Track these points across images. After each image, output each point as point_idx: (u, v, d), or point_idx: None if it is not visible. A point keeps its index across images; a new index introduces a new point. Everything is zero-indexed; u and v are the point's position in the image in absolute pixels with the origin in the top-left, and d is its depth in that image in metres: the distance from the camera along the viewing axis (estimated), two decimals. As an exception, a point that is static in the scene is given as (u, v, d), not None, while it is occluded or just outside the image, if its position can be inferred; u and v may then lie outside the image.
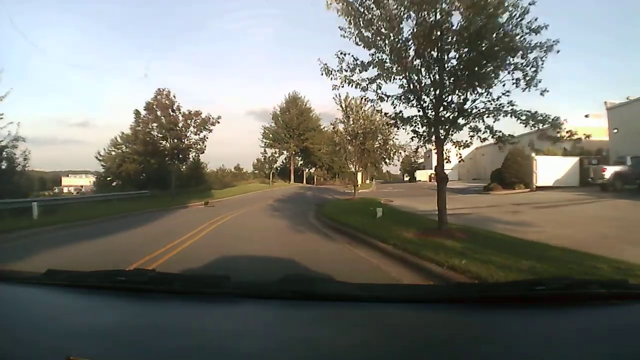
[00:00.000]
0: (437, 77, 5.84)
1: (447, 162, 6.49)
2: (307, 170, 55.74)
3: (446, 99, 6.01)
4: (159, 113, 19.62)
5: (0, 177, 14.19)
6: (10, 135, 14.36)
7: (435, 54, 5.78)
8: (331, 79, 5.95)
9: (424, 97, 6.14)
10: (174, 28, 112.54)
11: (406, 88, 6.17)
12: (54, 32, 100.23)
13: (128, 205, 15.97)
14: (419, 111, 6.52)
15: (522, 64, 5.44)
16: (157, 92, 19.84)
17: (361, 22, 5.70)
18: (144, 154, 23.26)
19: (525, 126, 5.76)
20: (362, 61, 6.12)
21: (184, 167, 25.37)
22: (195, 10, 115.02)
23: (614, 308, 1.05)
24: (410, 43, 5.87)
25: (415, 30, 5.61)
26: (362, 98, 6.40)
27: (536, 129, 5.64)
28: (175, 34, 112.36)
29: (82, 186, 40.77)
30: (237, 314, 1.13)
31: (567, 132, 5.86)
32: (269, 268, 4.51)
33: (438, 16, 5.61)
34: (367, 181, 38.44)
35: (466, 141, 6.64)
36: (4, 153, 14.66)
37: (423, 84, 6.00)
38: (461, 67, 5.67)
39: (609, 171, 16.58)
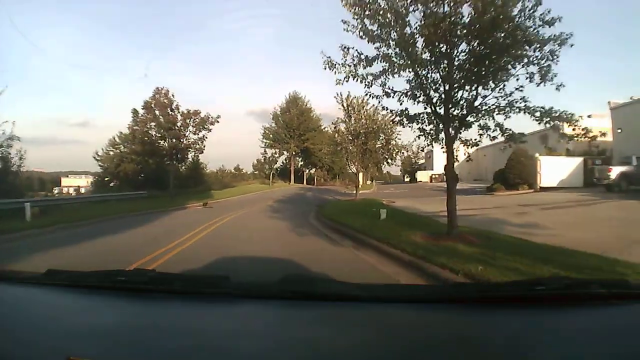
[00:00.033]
0: (447, 71, 5.55)
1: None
2: (307, 171, 55.45)
3: (456, 95, 5.71)
4: (157, 112, 19.33)
5: (-6, 177, 13.92)
6: (5, 134, 14.12)
7: (444, 47, 5.49)
8: (335, 72, 5.67)
9: (432, 93, 5.86)
10: (174, 28, 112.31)
11: (413, 84, 5.88)
12: (54, 32, 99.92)
13: (125, 206, 15.71)
14: (425, 108, 6.25)
15: (536, 57, 5.15)
16: (155, 91, 19.59)
17: (366, 13, 5.41)
18: (142, 154, 22.99)
19: (539, 123, 5.49)
20: (367, 55, 5.84)
21: (182, 167, 25.10)
22: (195, 10, 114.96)
23: (614, 308, 1.04)
24: (417, 36, 5.59)
25: (423, 22, 5.33)
26: (366, 94, 6.09)
27: (550, 126, 5.34)
28: (175, 34, 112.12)
29: (79, 187, 40.37)
30: (237, 314, 1.13)
31: (582, 129, 5.58)
32: (269, 269, 4.41)
33: (446, 8, 5.35)
34: (368, 182, 38.15)
35: (475, 140, 6.37)
36: (-1, 152, 14.41)
37: (431, 79, 5.71)
38: (472, 60, 5.38)
39: (615, 171, 16.33)
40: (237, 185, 36.17)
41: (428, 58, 5.52)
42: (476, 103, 5.66)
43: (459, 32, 5.28)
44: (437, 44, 5.38)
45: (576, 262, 4.04)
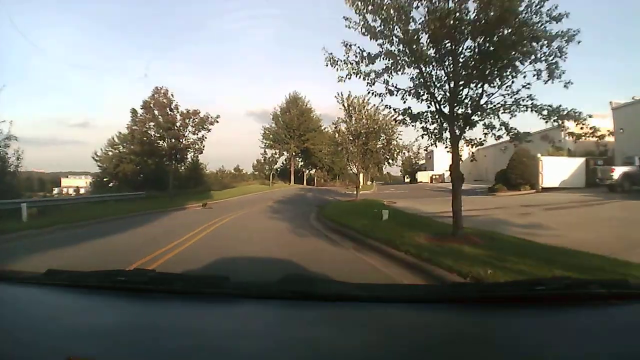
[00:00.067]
0: (452, 68, 5.41)
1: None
2: (307, 171, 55.28)
3: (460, 93, 5.58)
4: (156, 112, 19.14)
5: (-10, 177, 13.78)
6: (2, 134, 13.98)
7: (449, 44, 5.35)
8: (337, 69, 5.52)
9: (436, 91, 5.72)
10: (174, 28, 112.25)
11: (417, 81, 5.75)
12: (54, 32, 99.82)
13: (124, 207, 15.59)
14: (429, 107, 6.11)
15: (544, 53, 5.02)
16: (154, 90, 19.39)
17: (369, 8, 5.27)
18: (141, 154, 22.82)
19: (546, 122, 5.35)
20: (369, 53, 5.71)
21: (182, 167, 24.93)
22: (195, 10, 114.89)
23: (614, 308, 1.04)
24: (421, 33, 5.46)
25: (427, 17, 5.19)
26: (368, 92, 5.94)
27: (558, 124, 5.21)
28: (176, 34, 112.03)
29: (78, 187, 40.20)
30: (237, 314, 1.13)
31: (590, 128, 5.45)
32: (269, 269, 4.37)
33: (451, 4, 5.22)
34: (368, 182, 38.01)
35: (480, 139, 6.24)
36: (-5, 152, 14.27)
37: (435, 77, 5.57)
38: (477, 57, 5.24)
39: (617, 172, 16.22)
40: (236, 186, 36.02)
41: (433, 54, 5.37)
42: (482, 101, 5.52)
43: (464, 28, 5.13)
44: (442, 40, 5.24)
45: (582, 264, 3.95)
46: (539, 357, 0.82)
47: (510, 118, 5.77)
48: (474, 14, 5.06)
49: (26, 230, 8.97)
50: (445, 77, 5.51)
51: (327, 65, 5.55)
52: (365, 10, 5.38)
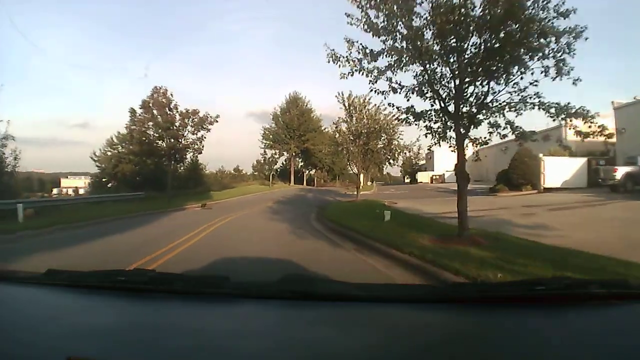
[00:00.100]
0: (458, 65, 5.27)
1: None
2: (307, 172, 55.10)
3: (466, 91, 5.44)
4: (155, 112, 18.94)
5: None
6: (-1, 133, 13.84)
7: (454, 40, 5.22)
8: (339, 66, 5.39)
9: (440, 88, 5.58)
10: (174, 28, 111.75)
11: (421, 79, 5.61)
12: (54, 32, 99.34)
13: (122, 207, 15.46)
14: (432, 105, 5.98)
15: (552, 49, 4.88)
16: (153, 90, 19.18)
17: (371, 3, 5.13)
18: (139, 154, 22.61)
19: (554, 120, 5.22)
20: (372, 50, 5.57)
21: (181, 168, 24.74)
22: (195, 11, 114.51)
23: (614, 308, 1.04)
24: (425, 29, 5.32)
25: (431, 12, 5.06)
26: (371, 90, 5.81)
27: (567, 122, 5.08)
28: (176, 35, 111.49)
29: (77, 187, 40.03)
30: (237, 314, 1.13)
31: (598, 126, 5.32)
32: (269, 269, 4.36)
33: (455, 0, 5.09)
34: (369, 183, 37.88)
35: (485, 138, 6.11)
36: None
37: (441, 74, 5.43)
38: (484, 54, 5.10)
39: (620, 172, 16.10)
40: (236, 186, 35.85)
41: (438, 50, 5.22)
42: (488, 99, 5.38)
43: (470, 23, 4.99)
44: (447, 36, 5.10)
45: (591, 265, 3.82)
46: (539, 357, 0.82)
47: (516, 116, 5.66)
48: (480, 9, 4.93)
49: (21, 231, 8.82)
50: (451, 74, 5.37)
51: (329, 62, 5.43)
52: (368, 6, 5.26)
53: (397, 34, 5.41)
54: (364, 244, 6.25)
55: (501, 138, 6.11)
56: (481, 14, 4.96)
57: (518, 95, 5.28)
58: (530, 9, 4.96)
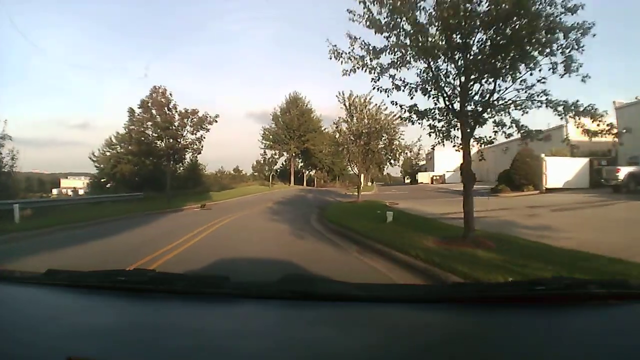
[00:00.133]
0: (464, 62, 5.13)
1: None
2: (307, 172, 54.94)
3: (471, 88, 5.30)
4: (154, 111, 18.78)
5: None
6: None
7: (459, 36, 5.08)
8: (342, 62, 5.25)
9: (445, 86, 5.44)
10: (174, 28, 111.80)
11: (425, 76, 5.47)
12: (54, 32, 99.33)
13: (120, 208, 15.33)
14: (436, 103, 5.84)
15: (561, 45, 4.75)
16: (152, 89, 19.01)
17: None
18: (138, 154, 22.44)
19: (562, 118, 5.09)
20: (375, 47, 5.44)
21: (180, 168, 24.58)
22: (195, 11, 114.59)
23: (613, 308, 1.04)
24: (428, 25, 5.19)
25: (436, 8, 4.92)
26: (373, 88, 5.66)
27: (576, 121, 4.94)
28: (176, 35, 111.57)
29: (75, 188, 39.88)
30: (237, 314, 1.13)
31: (607, 124, 5.18)
32: (269, 270, 4.34)
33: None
34: (369, 183, 37.74)
35: (490, 137, 5.97)
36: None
37: (446, 71, 5.29)
38: (490, 50, 4.97)
39: (623, 172, 15.98)
40: (236, 187, 35.72)
41: (444, 45, 5.08)
42: (494, 97, 5.25)
43: (476, 17, 4.85)
44: (453, 31, 4.97)
45: (603, 268, 3.67)
46: (539, 357, 0.82)
47: (523, 115, 5.52)
48: (487, 4, 4.79)
49: (17, 232, 8.68)
50: (456, 72, 5.24)
51: (330, 58, 5.29)
52: (370, 2, 5.12)
53: (401, 30, 5.28)
54: (367, 246, 6.10)
55: (506, 137, 5.97)
56: (487, 9, 4.82)
57: (525, 92, 5.14)
58: (537, 4, 4.84)
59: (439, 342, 0.91)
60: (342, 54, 5.25)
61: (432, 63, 5.30)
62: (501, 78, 5.09)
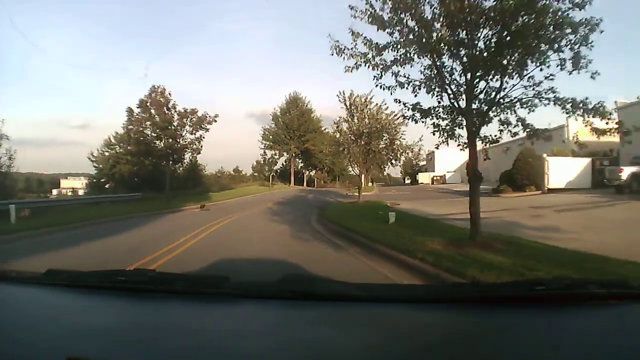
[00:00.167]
0: (468, 58, 4.99)
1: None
2: (307, 172, 54.80)
3: (477, 86, 5.16)
4: (153, 111, 18.65)
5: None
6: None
7: (464, 32, 4.95)
8: (344, 59, 5.12)
9: (450, 84, 5.31)
10: (174, 28, 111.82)
11: (429, 73, 5.34)
12: (54, 32, 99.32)
13: (119, 209, 15.21)
14: (439, 102, 5.70)
15: (570, 40, 4.61)
16: (151, 89, 18.89)
17: None
18: (137, 155, 22.31)
19: (569, 116, 4.96)
20: (377, 43, 5.31)
21: (180, 168, 24.45)
22: (195, 11, 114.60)
23: (613, 308, 1.04)
24: (433, 21, 5.06)
25: (440, 3, 4.79)
26: (376, 85, 5.52)
27: (586, 119, 4.81)
28: (176, 35, 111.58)
29: (74, 188, 39.71)
30: (237, 314, 1.13)
31: (616, 123, 5.06)
32: (269, 270, 4.34)
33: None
34: (369, 184, 37.60)
35: (495, 136, 5.83)
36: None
37: (451, 68, 5.16)
38: (496, 47, 4.82)
39: (626, 172, 15.86)
40: (235, 187, 35.61)
41: (451, 39, 4.93)
42: (501, 94, 5.10)
43: (482, 13, 4.72)
44: (458, 26, 4.83)
45: (616, 270, 3.56)
46: (539, 357, 0.82)
47: (529, 113, 5.38)
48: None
49: (13, 233, 8.54)
50: (461, 68, 5.10)
51: (332, 55, 5.16)
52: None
53: (405, 26, 5.14)
54: (369, 247, 5.96)
55: (512, 136, 5.82)
56: (494, 3, 4.69)
57: (532, 89, 5.00)
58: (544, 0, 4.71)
59: (439, 342, 0.90)
60: (344, 49, 5.12)
61: (436, 60, 5.17)
62: (508, 75, 4.95)
